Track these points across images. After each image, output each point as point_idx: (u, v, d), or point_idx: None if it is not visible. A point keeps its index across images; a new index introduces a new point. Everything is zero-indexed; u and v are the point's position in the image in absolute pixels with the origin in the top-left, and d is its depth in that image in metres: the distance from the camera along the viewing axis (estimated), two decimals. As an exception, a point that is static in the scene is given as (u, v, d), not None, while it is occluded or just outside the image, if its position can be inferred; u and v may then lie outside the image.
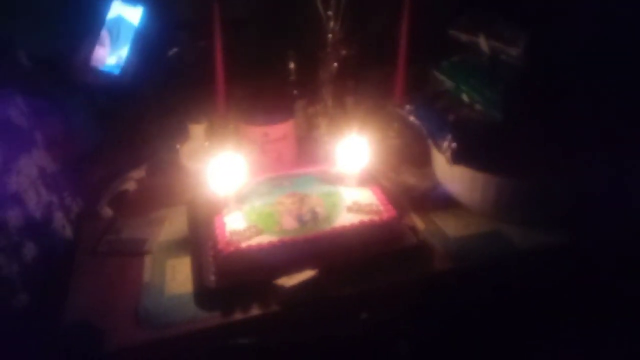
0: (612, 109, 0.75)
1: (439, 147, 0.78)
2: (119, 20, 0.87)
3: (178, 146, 0.93)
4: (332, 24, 0.94)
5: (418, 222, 0.82)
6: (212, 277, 0.69)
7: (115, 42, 0.87)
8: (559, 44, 0.77)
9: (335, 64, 0.97)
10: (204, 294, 0.68)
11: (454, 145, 0.75)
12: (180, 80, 0.96)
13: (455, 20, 0.87)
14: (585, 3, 0.85)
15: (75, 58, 0.84)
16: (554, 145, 0.74)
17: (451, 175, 0.82)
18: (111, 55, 0.87)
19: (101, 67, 0.85)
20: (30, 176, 0.75)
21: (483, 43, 0.82)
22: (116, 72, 0.87)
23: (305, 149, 0.99)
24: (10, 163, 0.71)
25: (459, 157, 0.75)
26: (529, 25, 0.77)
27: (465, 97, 0.82)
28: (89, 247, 0.79)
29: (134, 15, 0.88)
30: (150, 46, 0.89)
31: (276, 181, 0.84)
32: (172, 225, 0.83)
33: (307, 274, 0.68)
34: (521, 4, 0.85)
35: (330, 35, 0.95)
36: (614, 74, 0.76)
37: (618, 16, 0.78)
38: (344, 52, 0.97)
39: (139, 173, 0.95)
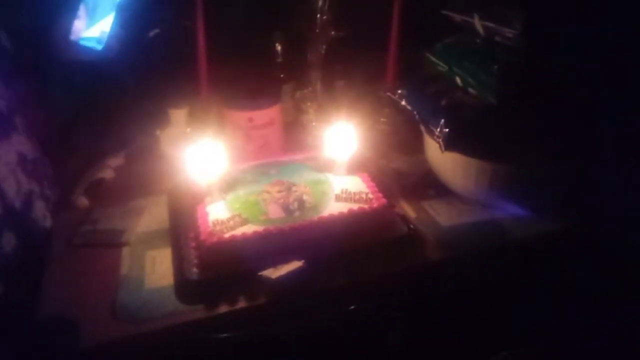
0: (612, 94, 0.74)
1: (431, 133, 0.77)
2: (95, -10, 0.83)
3: (158, 132, 0.91)
4: (320, 3, 0.92)
5: (409, 211, 0.81)
6: (194, 269, 0.67)
7: (92, 14, 0.83)
8: (557, 24, 0.75)
9: (324, 46, 0.95)
10: (185, 287, 0.66)
11: (446, 130, 0.74)
12: (160, 63, 0.94)
13: (449, 0, 0.84)
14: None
15: (56, 33, 0.80)
16: (549, 131, 0.73)
17: (444, 161, 0.81)
18: (89, 28, 0.83)
19: (81, 41, 0.82)
20: (10, 163, 0.73)
21: (477, 24, 0.80)
22: (99, 47, 0.84)
23: (292, 135, 0.97)
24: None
25: (451, 143, 0.74)
26: (525, 4, 0.74)
27: (458, 81, 0.80)
28: (64, 238, 0.77)
29: None
30: (135, 20, 0.86)
31: (262, 169, 0.82)
32: (151, 215, 0.81)
33: (294, 265, 0.67)
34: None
35: (319, 16, 0.93)
36: (615, 58, 0.74)
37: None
38: (333, 33, 0.95)
39: (116, 160, 0.93)
